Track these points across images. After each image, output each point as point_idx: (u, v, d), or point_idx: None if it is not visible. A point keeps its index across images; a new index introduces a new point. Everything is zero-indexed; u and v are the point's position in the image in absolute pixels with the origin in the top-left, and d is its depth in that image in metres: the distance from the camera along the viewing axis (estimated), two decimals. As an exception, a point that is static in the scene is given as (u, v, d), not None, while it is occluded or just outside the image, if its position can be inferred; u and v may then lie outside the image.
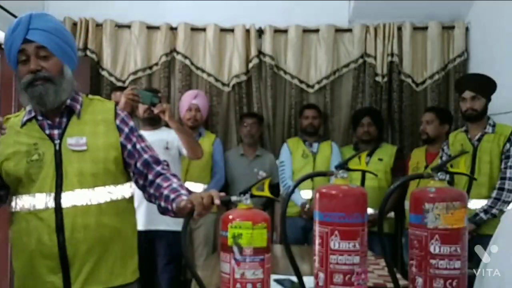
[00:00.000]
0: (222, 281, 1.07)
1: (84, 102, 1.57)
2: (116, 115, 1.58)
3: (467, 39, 3.87)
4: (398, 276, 1.34)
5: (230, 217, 1.07)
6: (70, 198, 1.46)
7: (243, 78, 3.91)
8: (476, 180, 2.69)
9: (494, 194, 2.65)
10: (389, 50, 3.87)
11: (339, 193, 1.06)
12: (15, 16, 3.48)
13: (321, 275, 1.05)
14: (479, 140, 2.78)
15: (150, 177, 1.56)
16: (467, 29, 3.87)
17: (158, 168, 1.57)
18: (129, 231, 1.60)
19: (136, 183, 1.60)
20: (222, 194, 1.31)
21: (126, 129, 1.57)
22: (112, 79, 3.88)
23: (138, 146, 1.57)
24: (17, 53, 1.45)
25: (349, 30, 3.94)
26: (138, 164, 1.56)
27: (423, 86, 3.90)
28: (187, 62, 3.93)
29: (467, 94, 2.80)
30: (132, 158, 1.56)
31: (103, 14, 3.89)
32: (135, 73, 3.90)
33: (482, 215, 2.64)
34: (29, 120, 1.52)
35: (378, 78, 3.87)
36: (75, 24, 3.91)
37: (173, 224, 2.89)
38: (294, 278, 1.28)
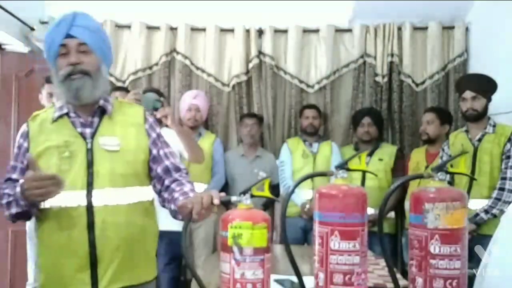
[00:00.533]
0: (222, 281, 1.07)
1: (114, 104, 1.62)
2: (145, 119, 1.63)
3: (467, 39, 3.87)
4: (398, 276, 1.34)
5: (230, 217, 1.07)
6: (101, 197, 1.49)
7: (243, 78, 3.91)
8: (476, 180, 2.69)
9: (494, 194, 2.65)
10: (389, 50, 3.87)
11: (339, 193, 1.06)
12: (15, 16, 3.49)
13: (321, 275, 1.05)
14: (480, 140, 2.78)
15: (167, 182, 1.60)
16: (467, 29, 3.87)
17: (176, 175, 1.61)
18: (153, 231, 1.65)
19: (154, 187, 1.65)
20: (222, 194, 1.31)
21: (154, 135, 1.62)
22: (112, 79, 3.88)
23: (161, 152, 1.62)
24: (58, 47, 1.50)
25: (349, 30, 3.94)
26: (159, 170, 1.61)
27: (423, 86, 3.90)
28: (187, 62, 3.93)
29: (468, 94, 2.80)
30: (155, 163, 1.61)
31: (103, 14, 3.89)
32: (135, 73, 3.90)
33: (482, 215, 2.64)
34: (60, 116, 1.55)
35: (378, 78, 3.87)
36: (75, 24, 3.91)
37: (173, 224, 2.89)
38: (294, 278, 1.28)
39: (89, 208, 1.47)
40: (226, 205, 2.10)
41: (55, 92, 3.08)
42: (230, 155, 3.71)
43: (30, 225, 3.04)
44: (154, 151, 1.61)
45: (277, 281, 1.90)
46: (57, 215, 1.48)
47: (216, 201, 1.28)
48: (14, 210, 1.47)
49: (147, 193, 1.62)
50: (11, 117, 3.56)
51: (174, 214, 1.55)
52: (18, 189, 1.41)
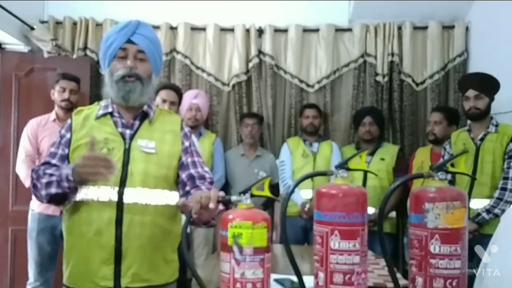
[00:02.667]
0: (222, 280, 1.07)
1: (156, 111, 1.70)
2: (181, 128, 1.71)
3: (467, 39, 3.87)
4: (398, 276, 1.34)
5: (230, 217, 1.07)
6: (132, 195, 1.55)
7: (243, 77, 3.91)
8: (476, 179, 2.69)
9: (496, 194, 2.64)
10: (389, 50, 3.87)
11: (339, 193, 1.05)
12: (15, 16, 3.49)
13: (321, 274, 1.05)
14: (482, 139, 2.77)
15: (188, 188, 1.64)
16: (467, 29, 3.87)
17: (198, 182, 1.65)
18: (176, 234, 1.68)
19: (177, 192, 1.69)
20: (221, 193, 1.31)
21: (187, 143, 1.70)
22: (112, 78, 3.88)
23: (189, 160, 1.67)
24: (117, 50, 1.59)
25: (349, 30, 3.94)
26: (184, 176, 1.66)
27: (423, 86, 3.90)
28: (187, 61, 3.93)
29: (471, 93, 2.79)
30: (182, 169, 1.66)
31: (103, 14, 3.89)
32: (135, 72, 3.90)
33: (484, 215, 2.63)
34: (104, 114, 1.64)
35: (379, 78, 3.87)
36: (75, 24, 3.91)
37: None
38: (294, 278, 1.28)
39: (119, 204, 1.53)
40: (226, 205, 2.10)
41: (67, 87, 3.14)
42: (230, 154, 3.71)
43: (30, 224, 3.04)
44: (184, 158, 1.67)
45: (277, 280, 1.90)
46: (88, 208, 1.54)
47: (211, 205, 1.28)
48: (54, 190, 1.51)
49: (175, 197, 1.66)
50: (11, 117, 3.56)
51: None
52: (65, 170, 1.48)
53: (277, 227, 3.44)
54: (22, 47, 3.77)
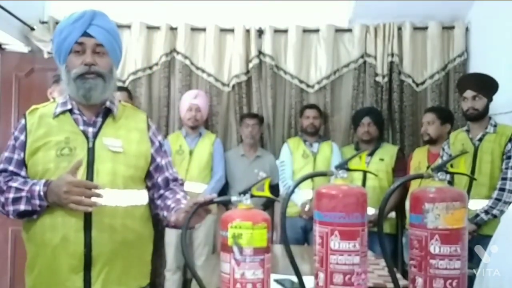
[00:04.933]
0: (222, 281, 1.07)
1: (119, 107, 1.61)
2: (148, 126, 1.63)
3: (467, 39, 3.87)
4: (398, 276, 1.34)
5: (230, 217, 1.07)
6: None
7: (243, 78, 3.91)
8: (476, 180, 2.69)
9: (495, 195, 2.64)
10: (389, 50, 3.87)
11: (339, 193, 1.05)
12: (15, 16, 3.49)
13: (321, 275, 1.05)
14: (481, 140, 2.78)
15: (162, 191, 1.62)
16: (467, 29, 3.87)
17: (171, 184, 1.63)
18: (147, 236, 1.62)
19: (148, 193, 1.64)
20: (214, 195, 1.32)
21: (157, 143, 1.63)
22: (112, 79, 3.88)
23: (163, 162, 1.63)
24: (73, 44, 1.48)
25: (349, 30, 3.94)
26: (159, 179, 1.62)
27: (423, 86, 3.90)
28: (187, 62, 3.93)
29: (469, 93, 2.80)
30: (156, 172, 1.61)
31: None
32: (135, 73, 3.90)
33: (482, 215, 2.63)
34: (62, 112, 1.53)
35: (379, 78, 3.87)
36: (75, 24, 3.91)
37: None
38: (294, 278, 1.28)
39: None
40: (226, 205, 2.10)
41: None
42: (230, 155, 3.71)
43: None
44: (158, 160, 1.61)
45: (277, 281, 1.90)
46: (52, 213, 1.44)
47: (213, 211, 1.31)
48: (23, 207, 1.44)
49: (144, 197, 1.60)
50: (11, 117, 3.56)
51: (167, 223, 1.57)
52: (37, 187, 1.40)
53: (277, 228, 3.44)
54: (22, 47, 3.77)
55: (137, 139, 1.57)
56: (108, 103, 1.56)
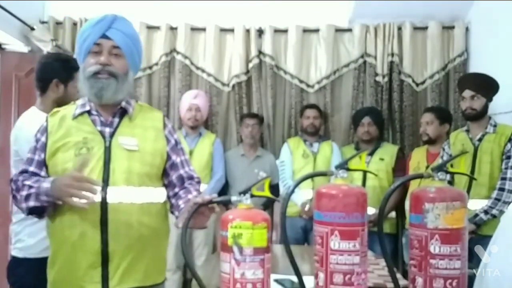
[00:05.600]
0: (222, 281, 1.07)
1: (135, 107, 1.65)
2: (164, 124, 1.66)
3: (467, 39, 3.87)
4: (398, 276, 1.34)
5: (230, 217, 1.07)
6: (116, 194, 1.50)
7: (243, 78, 3.91)
8: (476, 180, 2.69)
9: (494, 195, 2.64)
10: (389, 50, 3.87)
11: (339, 193, 1.05)
12: (15, 16, 3.49)
13: (321, 275, 1.05)
14: (480, 140, 2.77)
15: (177, 189, 1.64)
16: (467, 29, 3.87)
17: (187, 183, 1.65)
18: (164, 233, 1.66)
19: (165, 191, 1.68)
20: (214, 195, 1.34)
21: (173, 141, 1.66)
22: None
23: (179, 160, 1.66)
24: (92, 45, 1.54)
25: (349, 30, 3.94)
26: (174, 177, 1.64)
27: (423, 86, 3.90)
28: (187, 62, 3.93)
29: (467, 93, 2.80)
30: (172, 169, 1.64)
31: (103, 14, 3.89)
32: (135, 73, 3.90)
33: (482, 215, 2.63)
34: (81, 114, 1.59)
35: (379, 78, 3.87)
36: (75, 24, 3.91)
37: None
38: (294, 278, 1.28)
39: (103, 205, 1.48)
40: (226, 205, 2.10)
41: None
42: (230, 155, 3.71)
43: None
44: (173, 157, 1.64)
45: (277, 281, 1.90)
46: (70, 211, 1.48)
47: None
48: (32, 203, 1.48)
49: (161, 194, 1.64)
50: (11, 117, 3.56)
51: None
52: (45, 184, 1.44)
53: (277, 227, 3.44)
54: (22, 47, 3.77)
55: (153, 137, 1.61)
56: (123, 104, 1.61)
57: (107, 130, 1.57)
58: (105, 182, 1.49)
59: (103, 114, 1.59)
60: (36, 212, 1.53)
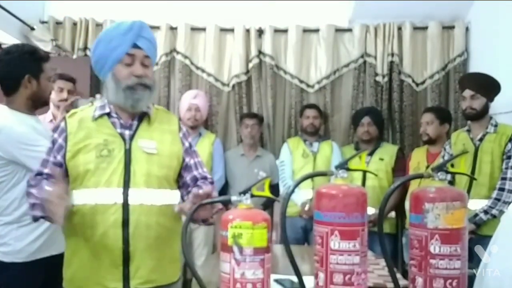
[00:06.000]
0: (222, 281, 1.07)
1: (152, 110, 1.68)
2: (179, 128, 1.71)
3: (467, 39, 3.88)
4: (398, 276, 1.34)
5: (230, 217, 1.07)
6: (137, 196, 1.54)
7: (243, 78, 3.92)
8: (476, 180, 2.69)
9: (494, 195, 2.64)
10: (389, 50, 3.87)
11: (339, 193, 1.05)
12: (15, 16, 3.49)
13: (321, 275, 1.05)
14: (481, 139, 2.77)
15: (190, 189, 1.66)
16: (467, 29, 3.87)
17: (199, 182, 1.67)
18: (178, 234, 1.66)
19: (179, 192, 1.71)
20: (208, 188, 1.41)
21: (187, 144, 1.70)
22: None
23: (192, 162, 1.69)
24: (123, 55, 1.56)
25: (349, 30, 3.94)
26: (188, 178, 1.67)
27: (423, 86, 3.90)
28: (187, 62, 3.93)
29: (467, 92, 2.80)
30: (186, 171, 1.67)
31: (103, 14, 3.89)
32: (135, 73, 3.90)
33: (482, 215, 2.63)
34: (101, 116, 1.61)
35: (379, 78, 3.87)
36: (75, 24, 3.91)
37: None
38: (294, 278, 1.28)
39: (125, 206, 1.52)
40: (226, 205, 2.10)
41: (65, 87, 2.97)
42: (230, 155, 3.71)
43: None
44: (187, 159, 1.68)
45: (277, 281, 1.90)
46: (91, 211, 1.52)
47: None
48: (38, 213, 1.50)
49: (176, 196, 1.67)
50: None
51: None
52: (46, 195, 1.45)
53: (277, 227, 3.44)
54: (22, 47, 3.77)
55: (170, 140, 1.65)
56: (145, 108, 1.64)
57: (127, 132, 1.60)
58: (126, 184, 1.53)
59: (122, 116, 1.62)
60: (47, 221, 1.55)
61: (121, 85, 1.57)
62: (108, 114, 1.61)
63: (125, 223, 1.52)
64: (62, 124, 1.62)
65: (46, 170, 1.58)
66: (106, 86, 1.62)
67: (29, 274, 1.91)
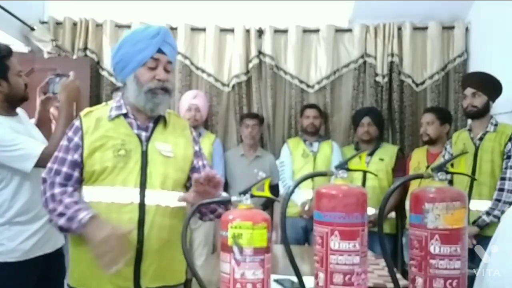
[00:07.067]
0: (222, 281, 1.07)
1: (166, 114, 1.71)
2: (191, 132, 1.76)
3: (467, 39, 3.88)
4: (398, 276, 1.34)
5: (230, 217, 1.07)
6: (153, 197, 1.56)
7: (243, 78, 3.92)
8: (476, 180, 2.69)
9: (494, 196, 2.63)
10: (389, 50, 3.87)
11: (339, 193, 1.05)
12: (15, 16, 3.49)
13: (321, 275, 1.05)
14: (481, 139, 2.77)
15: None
16: (467, 29, 3.87)
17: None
18: (188, 235, 1.76)
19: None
20: (212, 172, 1.43)
21: (197, 147, 1.75)
22: (112, 79, 3.88)
23: (200, 163, 1.73)
24: (148, 59, 1.57)
25: (349, 30, 3.94)
26: None
27: (423, 86, 3.90)
28: (187, 62, 3.93)
29: (468, 91, 2.81)
30: (193, 173, 1.68)
31: (103, 14, 3.90)
32: (135, 73, 3.90)
33: (484, 217, 2.62)
34: (117, 116, 1.62)
35: (379, 78, 3.87)
36: (75, 24, 3.91)
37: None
38: (294, 279, 1.28)
39: (141, 206, 1.54)
40: (226, 205, 2.10)
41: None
42: (230, 155, 3.71)
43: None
44: (195, 162, 1.71)
45: (277, 281, 1.90)
46: (107, 209, 1.53)
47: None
48: (63, 222, 1.50)
49: None
50: (11, 117, 3.55)
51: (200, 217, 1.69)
52: (81, 214, 1.46)
53: (277, 228, 3.44)
54: (22, 47, 3.77)
55: (183, 144, 1.68)
56: (163, 111, 1.67)
57: (143, 134, 1.62)
58: (143, 184, 1.55)
59: (139, 118, 1.63)
60: (61, 229, 1.56)
61: (143, 88, 1.58)
62: (125, 115, 1.62)
63: (141, 223, 1.54)
64: (77, 122, 1.62)
65: (64, 169, 1.57)
66: (127, 87, 1.62)
67: (23, 273, 1.90)
